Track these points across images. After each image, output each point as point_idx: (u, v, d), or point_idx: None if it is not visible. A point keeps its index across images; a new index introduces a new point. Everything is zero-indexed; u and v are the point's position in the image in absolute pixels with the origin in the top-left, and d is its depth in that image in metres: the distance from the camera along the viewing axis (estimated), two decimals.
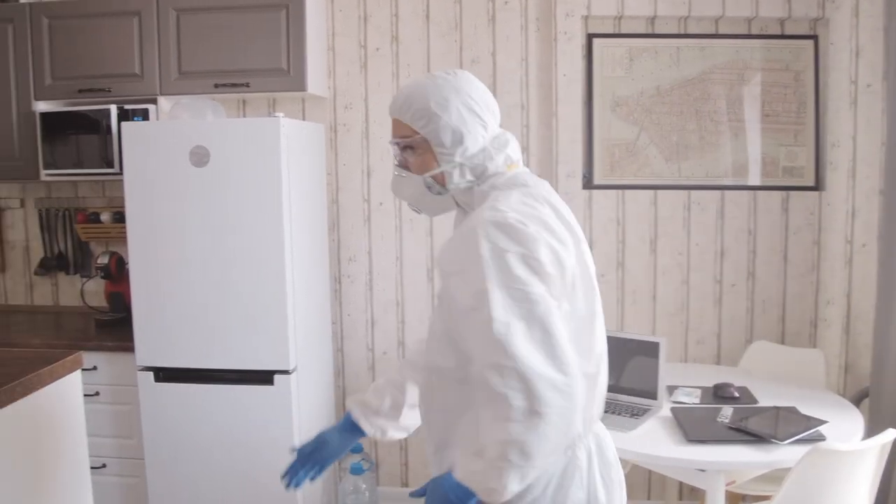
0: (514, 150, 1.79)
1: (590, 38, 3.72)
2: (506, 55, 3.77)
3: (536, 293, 1.54)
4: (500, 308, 1.51)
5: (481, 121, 1.74)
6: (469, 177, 1.74)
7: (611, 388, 3.06)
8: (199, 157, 3.22)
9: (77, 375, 2.29)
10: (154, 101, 3.67)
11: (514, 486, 1.51)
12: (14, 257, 4.23)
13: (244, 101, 3.96)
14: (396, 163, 1.81)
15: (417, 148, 1.74)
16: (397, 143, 1.77)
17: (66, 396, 2.27)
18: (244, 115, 3.97)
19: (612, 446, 1.84)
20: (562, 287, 1.62)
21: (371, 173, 3.91)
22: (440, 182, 1.75)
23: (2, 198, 4.20)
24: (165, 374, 3.36)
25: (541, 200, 1.68)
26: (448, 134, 1.70)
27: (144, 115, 3.62)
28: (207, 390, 3.32)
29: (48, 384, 2.14)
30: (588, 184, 3.76)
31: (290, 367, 3.27)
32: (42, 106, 3.74)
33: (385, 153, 3.88)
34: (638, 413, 2.85)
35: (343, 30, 3.87)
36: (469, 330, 1.58)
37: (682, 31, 3.71)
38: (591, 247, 3.70)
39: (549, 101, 3.74)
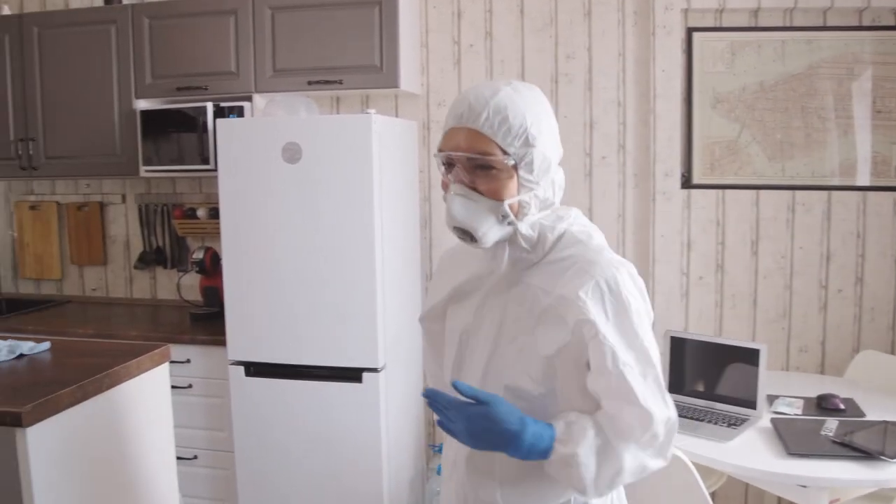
0: (562, 178, 1.63)
1: (689, 31, 3.59)
2: (602, 50, 3.67)
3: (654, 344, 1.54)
4: (655, 361, 1.51)
5: (559, 148, 1.61)
6: (541, 211, 1.58)
7: (707, 396, 2.97)
8: (292, 153, 3.24)
9: (164, 368, 2.32)
10: (249, 99, 3.71)
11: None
12: (115, 251, 4.36)
13: (338, 99, 3.98)
14: (453, 180, 1.55)
15: (500, 171, 1.52)
16: (472, 159, 1.52)
17: (153, 388, 2.30)
18: (337, 112, 3.98)
19: None
20: None
21: None
22: (514, 212, 1.54)
23: (104, 193, 4.33)
24: (256, 369, 3.39)
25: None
26: (540, 161, 1.53)
27: (239, 112, 3.67)
28: (296, 386, 3.34)
29: (136, 376, 2.17)
30: (687, 183, 3.63)
31: (379, 365, 3.25)
32: (142, 104, 3.83)
33: None
34: (735, 423, 2.72)
35: (436, 26, 3.84)
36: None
37: (788, 24, 3.54)
38: (688, 248, 3.62)
39: (646, 98, 3.62)
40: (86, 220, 4.34)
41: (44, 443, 1.84)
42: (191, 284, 4.13)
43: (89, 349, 2.33)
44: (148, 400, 2.26)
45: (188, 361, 3.55)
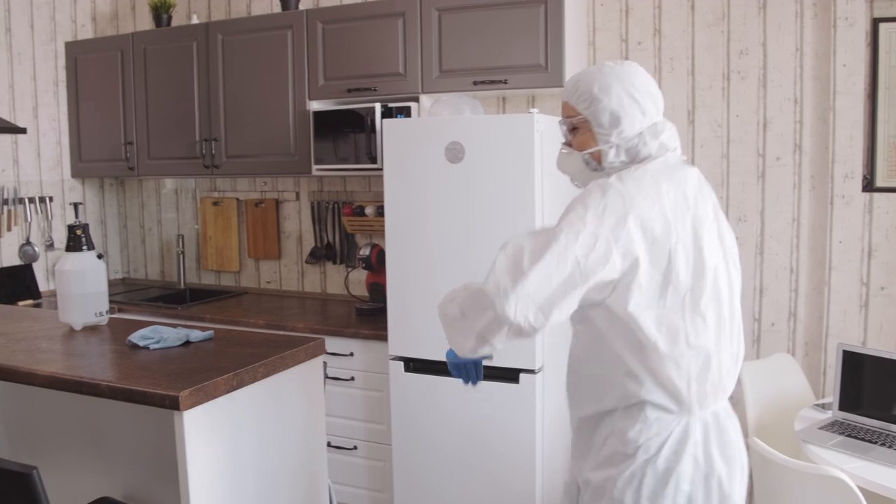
0: (669, 138, 1.90)
1: (875, 22, 3.34)
2: (777, 45, 3.48)
3: (565, 237, 1.74)
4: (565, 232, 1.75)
5: (640, 107, 1.89)
6: (623, 157, 1.90)
7: (884, 417, 2.75)
8: (455, 153, 3.27)
9: (318, 361, 2.39)
10: (416, 100, 3.78)
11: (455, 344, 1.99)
12: (289, 246, 4.56)
13: (504, 99, 3.99)
14: (563, 142, 2.00)
15: (580, 128, 1.93)
16: (564, 123, 1.97)
17: (306, 379, 2.37)
18: (503, 112, 3.99)
19: (735, 428, 1.90)
20: (647, 257, 1.74)
21: None
22: (597, 159, 1.92)
23: (280, 191, 4.54)
24: (415, 365, 3.46)
25: (673, 182, 1.82)
26: (606, 116, 1.88)
27: (406, 112, 3.75)
28: (453, 384, 3.36)
29: (290, 367, 2.26)
30: (869, 186, 3.38)
31: (537, 367, 3.23)
32: (315, 105, 3.99)
33: None
34: None
35: (603, 24, 3.77)
36: None
37: None
38: (869, 256, 3.37)
39: (825, 94, 3.40)
40: (262, 216, 4.57)
41: (199, 426, 1.96)
42: (358, 280, 4.26)
43: (249, 339, 2.44)
44: (300, 390, 2.34)
45: (351, 355, 3.67)
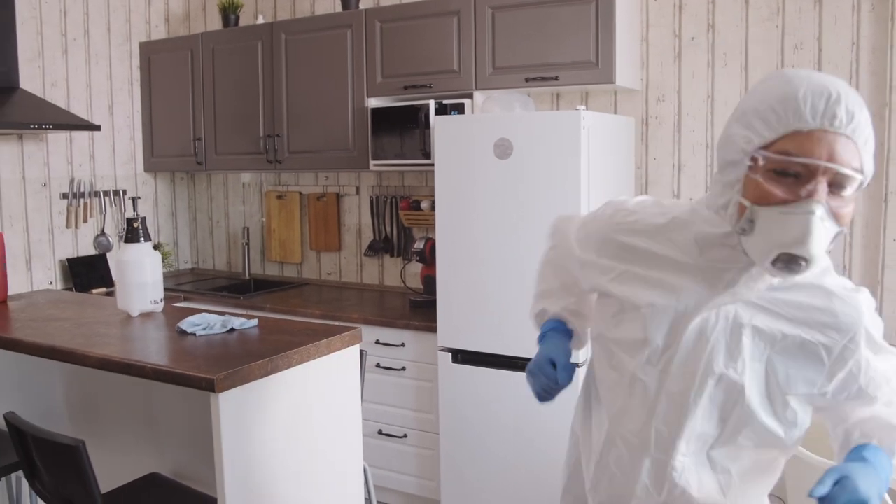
0: None
1: None
2: (833, 39, 3.43)
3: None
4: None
5: None
6: None
7: None
8: (503, 149, 3.33)
9: (354, 350, 2.48)
10: (470, 96, 3.85)
11: None
12: (349, 239, 4.69)
13: (557, 95, 4.02)
14: (817, 199, 1.24)
15: (852, 192, 1.28)
16: (846, 179, 1.25)
17: (342, 367, 2.46)
18: (557, 109, 4.03)
19: None
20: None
21: (682, 168, 3.77)
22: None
23: (341, 185, 4.67)
24: (463, 357, 3.53)
25: None
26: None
27: (460, 109, 3.82)
28: (500, 376, 3.43)
29: (325, 355, 2.35)
30: None
31: (580, 361, 3.27)
32: (373, 102, 4.09)
33: (697, 148, 3.72)
34: None
35: (657, 19, 3.77)
36: None
37: None
38: None
39: (882, 90, 3.34)
40: (324, 209, 4.71)
41: (234, 407, 2.07)
42: (414, 273, 4.35)
43: (290, 328, 2.55)
44: (335, 377, 2.43)
45: (403, 345, 3.76)
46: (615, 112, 3.90)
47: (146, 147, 4.95)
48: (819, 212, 1.23)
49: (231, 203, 5.19)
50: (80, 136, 4.58)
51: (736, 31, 3.61)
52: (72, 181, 4.55)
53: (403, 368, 3.78)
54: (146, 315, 2.75)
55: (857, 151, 1.26)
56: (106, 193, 4.72)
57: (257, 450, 2.17)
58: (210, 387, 2.01)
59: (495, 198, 3.37)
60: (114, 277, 2.78)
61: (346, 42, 4.12)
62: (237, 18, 4.66)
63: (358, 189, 4.63)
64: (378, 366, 3.84)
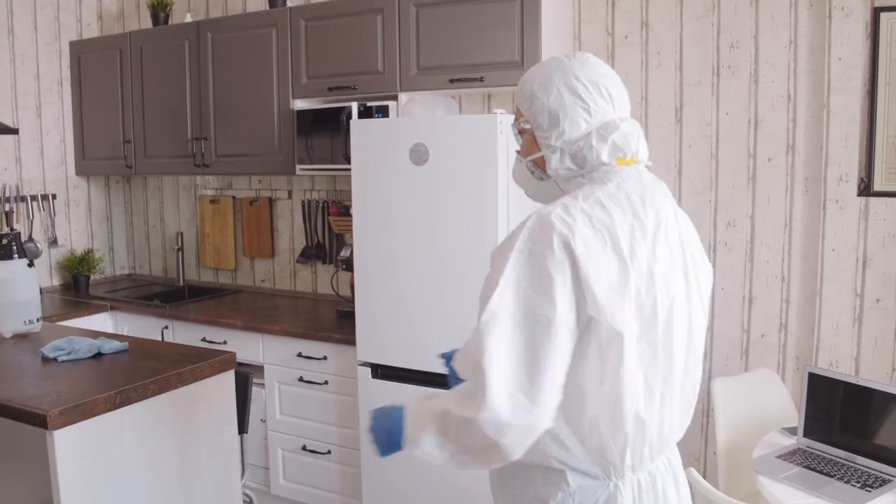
0: (622, 139, 1.59)
1: (876, 12, 3.07)
2: (770, 37, 3.25)
3: (545, 306, 1.41)
4: (498, 300, 1.42)
5: (583, 104, 1.59)
6: (569, 164, 1.63)
7: (848, 447, 2.52)
8: (419, 154, 3.16)
9: (227, 376, 2.32)
10: (395, 98, 3.68)
11: (426, 447, 1.49)
12: (282, 245, 4.52)
13: (489, 96, 3.85)
14: (516, 149, 1.75)
15: (525, 132, 1.69)
16: (514, 127, 1.72)
17: (210, 395, 2.29)
18: (488, 111, 3.85)
19: (679, 483, 1.67)
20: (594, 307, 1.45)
21: None
22: (541, 167, 1.67)
23: (273, 189, 4.50)
24: (383, 372, 3.37)
25: (624, 207, 1.52)
26: (545, 116, 1.62)
27: (384, 111, 3.65)
28: (419, 393, 3.26)
29: (189, 383, 2.18)
30: (865, 190, 3.13)
31: None
32: (299, 104, 3.92)
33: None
34: (873, 483, 2.29)
35: (589, 17, 3.59)
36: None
37: None
38: (864, 265, 3.13)
39: (820, 90, 3.16)
40: (256, 214, 4.54)
41: (74, 445, 1.90)
42: (346, 281, 4.18)
43: (159, 352, 2.38)
44: (203, 406, 2.26)
45: (325, 358, 3.60)
46: None
47: (77, 150, 4.78)
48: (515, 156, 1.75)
49: (166, 207, 5.03)
50: (5, 140, 4.41)
51: (670, 29, 3.44)
52: None
53: (326, 382, 3.62)
54: (20, 336, 2.59)
55: (518, 109, 1.69)
56: (34, 198, 4.56)
57: (107, 493, 2.00)
58: (43, 423, 1.84)
59: (412, 206, 3.20)
60: None
61: (271, 41, 3.95)
62: (167, 17, 4.49)
63: (290, 193, 4.46)
64: (301, 379, 3.68)
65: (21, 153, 4.52)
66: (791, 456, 2.54)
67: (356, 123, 3.36)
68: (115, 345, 2.36)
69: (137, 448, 2.05)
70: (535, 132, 1.64)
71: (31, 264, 2.59)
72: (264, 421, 3.83)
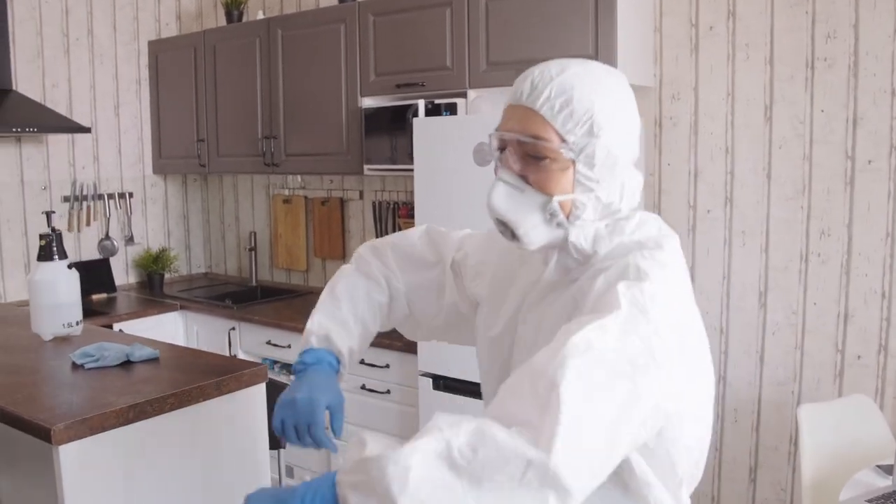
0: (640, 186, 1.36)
1: None
2: (872, 26, 2.93)
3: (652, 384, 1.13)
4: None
5: (634, 150, 1.34)
6: (599, 217, 1.31)
7: None
8: (483, 155, 2.96)
9: (257, 390, 2.19)
10: (464, 95, 3.51)
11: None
12: (353, 246, 4.41)
13: None
14: (502, 166, 1.32)
15: (554, 160, 1.26)
16: (523, 143, 1.28)
17: (236, 411, 2.15)
18: None
19: None
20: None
21: (699, 175, 3.34)
22: (565, 212, 1.28)
23: (345, 189, 4.40)
24: (445, 383, 3.22)
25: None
26: (604, 156, 1.27)
27: (453, 109, 3.48)
28: (480, 407, 3.09)
29: (215, 397, 2.06)
30: None
31: None
32: (367, 102, 3.80)
33: (716, 152, 3.29)
34: None
35: (671, 6, 3.34)
36: None
37: None
38: None
39: None
40: (328, 214, 4.45)
41: (81, 461, 1.80)
42: None
43: (191, 362, 2.27)
44: (226, 422, 2.13)
45: (387, 366, 3.47)
46: None
47: (154, 148, 4.80)
48: (505, 177, 1.31)
49: (241, 206, 5.00)
50: (83, 138, 4.45)
51: (759, 19, 3.15)
52: (73, 184, 4.43)
53: (388, 392, 3.49)
54: (60, 339, 2.53)
55: (544, 122, 1.27)
56: (111, 196, 4.59)
57: None
58: (47, 437, 1.76)
59: (475, 209, 3.02)
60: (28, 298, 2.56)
61: (339, 38, 3.84)
62: (241, 14, 4.45)
63: (361, 193, 4.35)
64: (363, 387, 3.56)
65: (99, 152, 4.56)
66: (885, 501, 2.25)
67: (419, 122, 3.22)
68: (146, 352, 2.27)
69: (151, 468, 1.94)
70: (579, 169, 1.27)
71: (71, 266, 2.53)
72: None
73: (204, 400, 2.02)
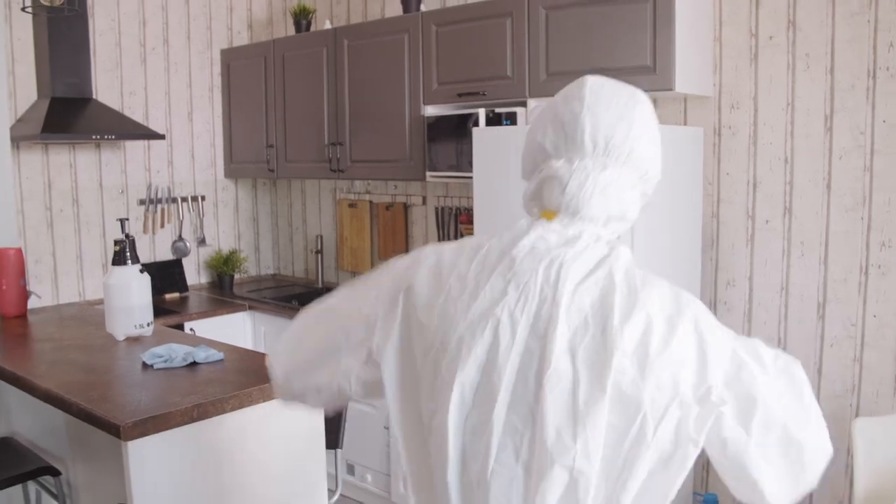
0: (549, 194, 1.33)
1: None
2: None
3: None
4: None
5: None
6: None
7: None
8: None
9: None
10: (524, 104, 3.57)
11: None
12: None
13: None
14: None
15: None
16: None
17: (298, 414, 2.25)
18: None
19: None
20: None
21: (758, 185, 3.33)
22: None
23: (409, 195, 4.50)
24: None
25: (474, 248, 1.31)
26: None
27: (513, 118, 3.54)
28: None
29: (271, 399, 2.16)
30: None
31: None
32: (430, 110, 3.89)
33: (775, 163, 3.28)
34: None
35: (731, 16, 3.34)
36: None
37: None
38: None
39: None
40: (392, 219, 4.55)
41: (150, 457, 1.92)
42: None
43: (253, 364, 2.38)
44: (285, 425, 2.23)
45: None
46: (685, 121, 3.50)
47: (226, 154, 4.98)
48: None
49: (308, 210, 5.14)
50: (158, 144, 4.65)
51: (820, 29, 3.13)
52: (149, 187, 4.63)
53: None
54: (132, 340, 2.69)
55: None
56: (184, 199, 4.78)
57: None
58: (117, 433, 1.88)
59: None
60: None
61: (403, 47, 3.94)
62: (308, 24, 4.58)
63: (424, 199, 4.44)
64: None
65: (173, 156, 4.75)
66: None
67: (478, 131, 3.29)
68: (211, 354, 2.40)
69: (212, 465, 2.07)
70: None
71: (142, 270, 2.68)
72: (387, 428, 3.83)
73: (263, 401, 2.13)
